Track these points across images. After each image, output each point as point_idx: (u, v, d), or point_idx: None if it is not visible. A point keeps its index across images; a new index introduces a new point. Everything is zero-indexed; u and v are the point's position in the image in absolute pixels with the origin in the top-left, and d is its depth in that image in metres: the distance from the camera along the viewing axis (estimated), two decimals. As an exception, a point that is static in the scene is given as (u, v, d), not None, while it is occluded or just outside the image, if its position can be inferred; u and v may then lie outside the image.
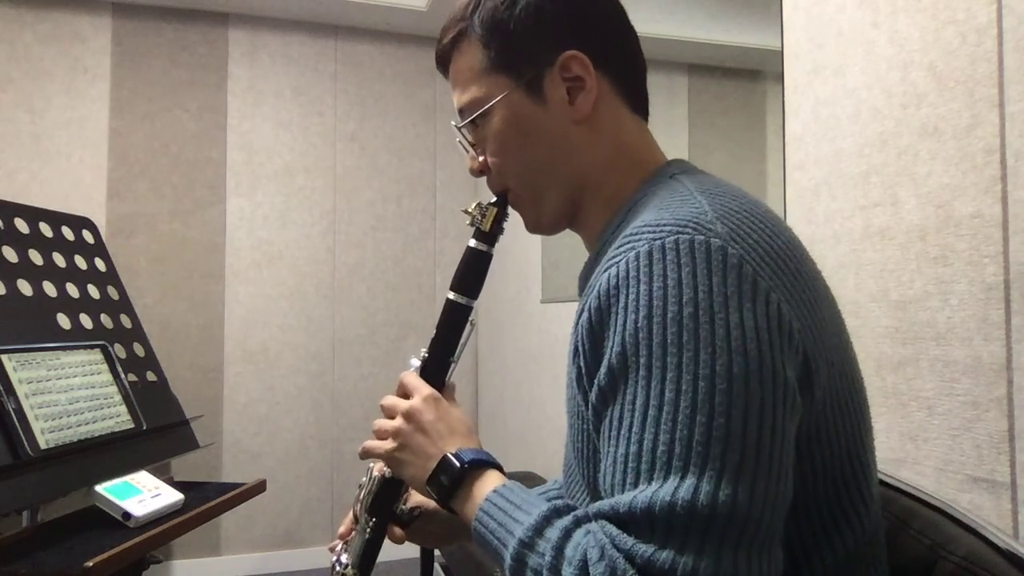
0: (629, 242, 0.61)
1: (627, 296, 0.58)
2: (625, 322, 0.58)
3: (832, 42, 1.27)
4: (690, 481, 0.52)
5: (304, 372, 3.33)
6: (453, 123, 0.82)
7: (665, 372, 0.55)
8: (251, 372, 3.25)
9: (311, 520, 3.30)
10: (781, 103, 1.39)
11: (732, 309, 0.56)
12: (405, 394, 0.81)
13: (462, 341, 0.83)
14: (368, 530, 0.84)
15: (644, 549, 0.52)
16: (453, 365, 0.83)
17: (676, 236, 0.58)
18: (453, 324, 0.83)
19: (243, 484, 2.10)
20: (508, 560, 0.61)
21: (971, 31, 1.00)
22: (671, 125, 1.78)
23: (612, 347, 0.59)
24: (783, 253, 0.62)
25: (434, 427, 0.76)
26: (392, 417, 0.79)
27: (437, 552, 2.35)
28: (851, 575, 0.64)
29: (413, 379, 0.81)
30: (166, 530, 1.69)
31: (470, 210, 0.84)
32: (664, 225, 0.60)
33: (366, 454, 0.81)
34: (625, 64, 0.78)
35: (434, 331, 0.83)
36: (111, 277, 2.32)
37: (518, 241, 3.06)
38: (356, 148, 3.46)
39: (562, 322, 2.57)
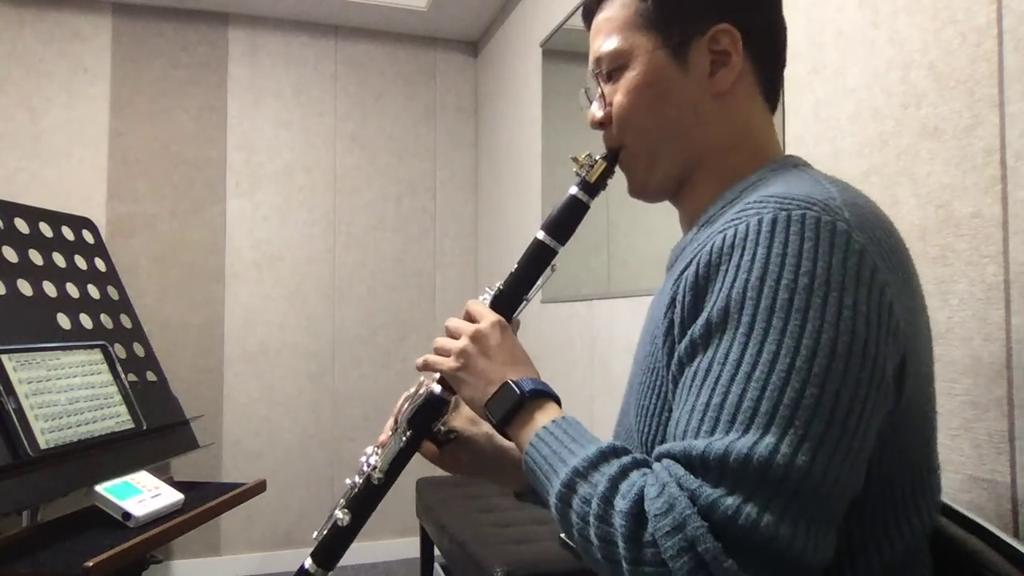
0: (753, 207, 0.60)
1: (742, 256, 0.58)
2: (735, 280, 0.58)
3: (832, 42, 1.27)
4: (770, 440, 0.52)
5: (304, 372, 3.33)
6: (590, 68, 0.81)
7: (767, 333, 0.55)
8: (251, 372, 3.24)
9: (311, 520, 3.30)
10: (781, 103, 1.39)
11: (848, 291, 0.56)
12: (471, 319, 0.81)
13: (539, 282, 0.84)
14: (403, 440, 0.84)
15: (710, 492, 0.52)
16: (525, 303, 0.84)
17: (804, 211, 0.58)
18: (536, 263, 0.83)
19: (243, 484, 2.10)
20: (557, 486, 0.61)
21: (971, 31, 1.00)
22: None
23: (715, 302, 0.59)
24: (899, 257, 0.63)
25: (498, 352, 0.77)
26: (456, 337, 0.79)
27: (437, 552, 2.35)
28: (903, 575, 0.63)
29: (480, 306, 0.82)
30: (166, 530, 1.69)
31: (580, 158, 0.81)
32: (794, 199, 0.59)
33: (426, 367, 0.82)
34: (771, 52, 0.78)
35: (514, 266, 0.84)
36: (111, 277, 2.32)
37: (518, 241, 3.05)
38: (356, 148, 3.46)
39: (562, 322, 2.57)
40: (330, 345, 3.37)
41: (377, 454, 0.85)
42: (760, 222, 0.58)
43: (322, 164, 3.40)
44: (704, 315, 0.59)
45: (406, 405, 0.86)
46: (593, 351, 2.34)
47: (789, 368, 0.54)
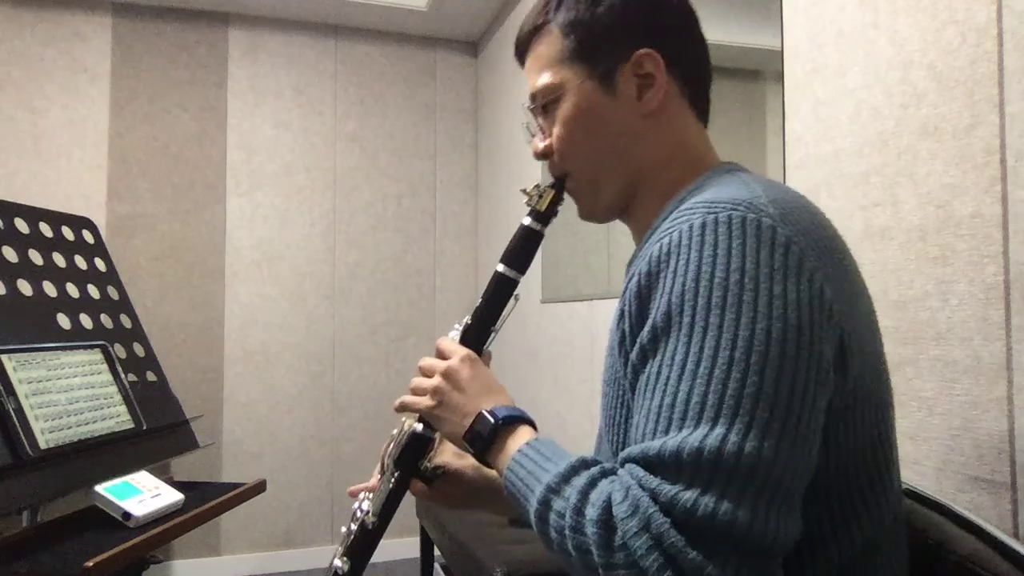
0: (684, 215, 0.64)
1: (677, 261, 0.62)
2: (673, 284, 0.61)
3: (832, 42, 1.27)
4: (719, 431, 0.55)
5: (304, 372, 3.33)
6: (525, 104, 0.86)
7: (707, 331, 0.58)
8: (251, 372, 3.24)
9: (311, 520, 3.30)
10: (781, 103, 1.39)
11: (777, 281, 0.59)
12: (442, 356, 0.84)
13: (505, 312, 0.88)
14: (392, 482, 0.87)
15: (669, 489, 0.54)
16: (493, 334, 0.88)
17: (730, 212, 0.62)
18: (499, 295, 0.87)
19: (243, 484, 2.10)
20: (534, 504, 0.64)
21: (971, 31, 1.00)
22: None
23: (658, 308, 0.62)
24: (829, 244, 0.66)
25: (470, 385, 0.80)
26: (430, 376, 0.83)
27: (437, 552, 2.35)
28: (866, 563, 0.65)
29: (449, 343, 0.86)
30: (166, 530, 1.69)
31: (528, 190, 0.86)
32: (719, 202, 0.63)
33: (404, 408, 0.85)
34: (694, 69, 0.82)
35: (479, 300, 0.87)
36: (111, 277, 2.32)
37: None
38: (356, 148, 3.46)
39: (562, 322, 2.57)
40: (330, 345, 3.37)
41: (368, 499, 0.88)
42: (691, 227, 0.62)
43: (322, 164, 3.40)
44: (649, 322, 0.63)
45: (391, 447, 0.89)
46: (593, 351, 2.34)
47: (729, 360, 0.57)
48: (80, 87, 3.08)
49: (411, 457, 0.88)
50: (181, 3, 3.17)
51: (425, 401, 0.81)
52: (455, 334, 0.87)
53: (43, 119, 3.02)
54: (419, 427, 0.86)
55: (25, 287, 1.92)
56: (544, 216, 0.85)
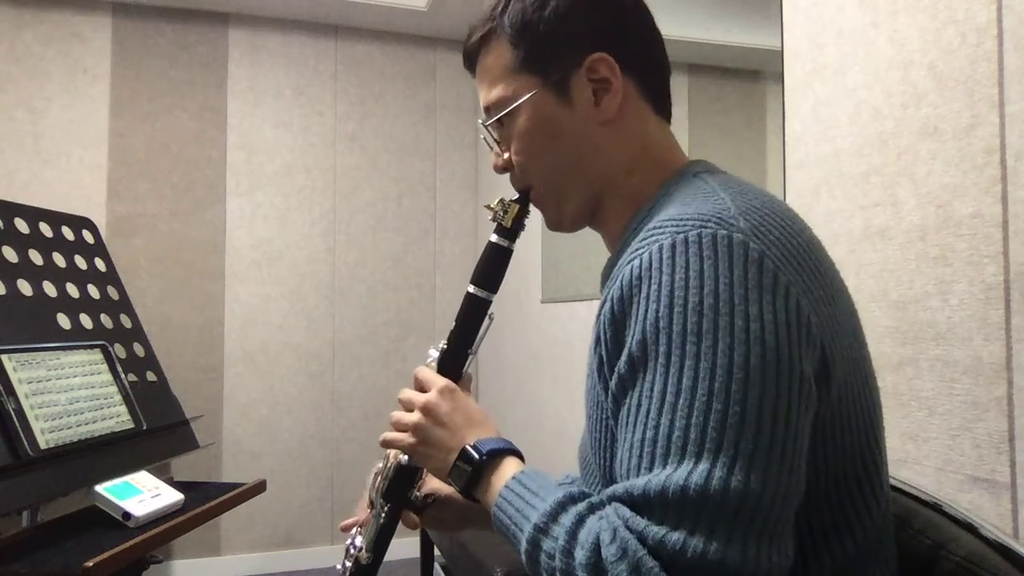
0: (653, 235, 0.62)
1: (649, 286, 0.59)
2: (647, 311, 0.59)
3: (832, 42, 1.27)
4: (704, 466, 0.53)
5: (304, 372, 3.33)
6: (480, 120, 0.84)
7: (683, 360, 0.56)
8: (251, 372, 3.25)
9: (311, 520, 3.30)
10: (781, 103, 1.39)
11: (752, 301, 0.57)
12: (421, 388, 0.82)
13: (480, 334, 0.85)
14: (383, 516, 0.86)
15: (656, 531, 0.53)
16: (471, 357, 0.86)
17: (699, 230, 0.59)
18: (472, 317, 0.85)
19: (243, 484, 2.10)
20: (524, 544, 0.63)
21: (971, 31, 1.00)
22: (671, 125, 1.78)
23: (633, 336, 0.60)
24: (803, 250, 0.63)
25: (451, 419, 0.77)
26: (410, 410, 0.80)
27: (437, 552, 2.35)
28: (860, 571, 0.64)
29: (427, 373, 0.83)
30: (166, 530, 1.69)
31: (492, 206, 0.84)
32: (687, 219, 0.61)
33: (387, 445, 0.83)
34: (651, 67, 0.80)
35: (453, 323, 0.85)
36: (111, 277, 2.32)
37: (518, 241, 3.05)
38: (356, 148, 3.46)
39: (562, 322, 2.57)
40: (330, 345, 3.37)
41: (360, 534, 0.88)
42: (661, 248, 0.60)
43: (322, 164, 3.40)
44: (625, 351, 0.61)
45: (378, 480, 0.88)
46: (593, 351, 2.33)
47: (708, 391, 0.55)
48: (80, 87, 3.08)
49: (399, 489, 0.87)
50: (181, 3, 3.17)
51: (407, 439, 0.79)
52: (432, 360, 0.85)
53: (43, 119, 3.02)
54: (404, 459, 0.85)
55: (25, 287, 1.92)
56: (511, 232, 0.83)
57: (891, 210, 1.13)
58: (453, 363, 0.85)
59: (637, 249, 0.63)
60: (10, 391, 1.64)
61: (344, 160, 3.44)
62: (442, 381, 0.81)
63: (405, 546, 3.23)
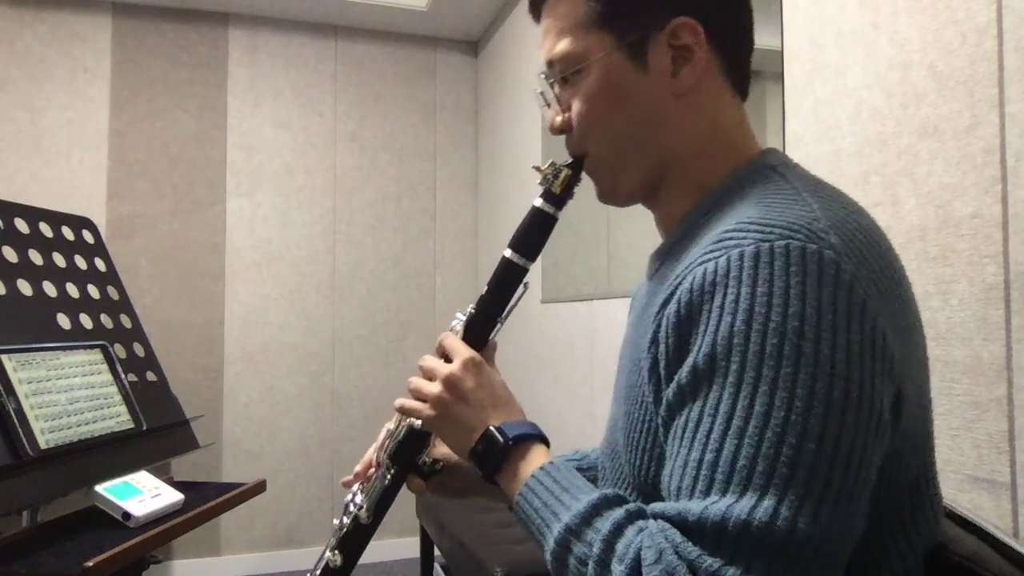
0: (732, 237, 0.57)
1: (725, 296, 0.55)
2: (719, 323, 0.54)
3: (832, 42, 1.27)
4: (769, 502, 0.50)
5: (304, 372, 3.33)
6: (540, 74, 0.76)
7: (758, 384, 0.52)
8: (251, 372, 3.24)
9: (311, 520, 3.30)
10: (781, 103, 1.39)
11: (839, 330, 0.53)
12: (445, 356, 0.77)
13: (512, 302, 0.79)
14: (388, 477, 0.82)
15: (711, 563, 0.50)
16: (499, 325, 0.80)
17: (787, 241, 0.54)
18: (506, 283, 0.78)
19: (243, 484, 2.10)
20: (551, 543, 0.60)
21: (971, 31, 1.00)
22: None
23: (701, 346, 0.55)
24: (890, 275, 0.59)
25: (476, 396, 0.73)
26: (431, 379, 0.76)
27: (437, 552, 2.35)
28: None
29: (453, 341, 0.78)
30: (166, 530, 1.69)
31: (543, 168, 0.76)
32: (773, 226, 0.56)
33: (404, 412, 0.79)
34: (738, 41, 0.73)
35: (484, 288, 0.79)
36: (111, 277, 2.32)
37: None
38: (356, 148, 3.46)
39: (562, 322, 2.57)
40: (330, 345, 3.37)
41: (362, 492, 0.84)
42: (741, 256, 0.55)
43: (322, 164, 3.40)
44: (691, 360, 0.56)
45: (388, 441, 0.84)
46: (593, 351, 2.34)
47: (784, 422, 0.51)
48: (80, 87, 3.08)
49: (408, 453, 0.83)
50: (181, 3, 3.16)
51: (426, 410, 0.75)
52: (458, 324, 0.80)
53: (43, 119, 3.02)
54: (418, 424, 0.81)
55: (25, 287, 1.92)
56: (559, 199, 0.76)
57: (891, 210, 1.13)
58: (480, 330, 0.79)
59: (713, 251, 0.57)
60: (10, 391, 1.64)
61: (344, 160, 3.44)
62: (468, 352, 0.76)
63: (405, 546, 3.24)
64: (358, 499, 0.84)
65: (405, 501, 2.79)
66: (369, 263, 3.45)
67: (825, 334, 0.52)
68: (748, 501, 0.50)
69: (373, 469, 0.86)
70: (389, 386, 3.36)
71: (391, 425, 0.85)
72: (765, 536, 0.49)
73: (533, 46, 2.87)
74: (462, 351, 0.76)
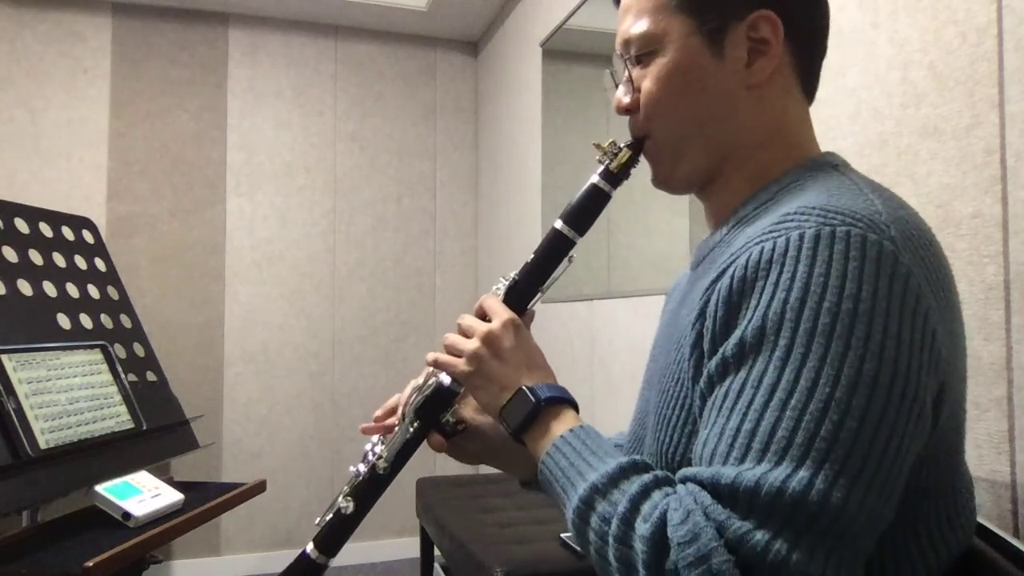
0: (794, 219, 0.57)
1: (781, 273, 0.55)
2: (772, 298, 0.55)
3: (832, 42, 1.27)
4: (804, 474, 0.50)
5: (304, 372, 3.33)
6: (617, 51, 0.76)
7: (806, 359, 0.53)
8: (251, 372, 3.24)
9: (311, 520, 3.27)
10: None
11: (892, 317, 0.53)
12: (483, 316, 0.78)
13: (556, 273, 0.80)
14: (410, 431, 0.82)
15: (739, 525, 0.50)
16: (540, 295, 0.81)
17: (848, 227, 0.55)
18: (553, 254, 0.79)
19: (243, 484, 2.10)
20: (575, 501, 0.60)
21: (971, 31, 1.00)
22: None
23: (750, 320, 0.56)
24: (943, 275, 0.60)
25: (513, 355, 0.74)
26: (469, 336, 0.76)
27: (437, 552, 2.35)
28: None
29: (494, 302, 0.78)
30: (166, 530, 1.69)
31: (604, 145, 0.78)
32: (836, 212, 0.56)
33: (437, 366, 0.79)
34: (813, 40, 0.74)
35: (530, 256, 0.80)
36: (111, 277, 2.32)
37: (517, 241, 3.06)
38: (356, 148, 3.46)
39: (562, 322, 2.57)
40: (330, 345, 3.37)
41: (383, 443, 0.84)
42: (802, 237, 0.55)
43: (322, 164, 3.40)
44: (738, 333, 0.56)
45: (414, 396, 0.83)
46: (593, 351, 2.34)
47: (828, 398, 0.52)
48: (80, 87, 3.08)
49: (433, 409, 0.82)
50: (181, 3, 3.17)
51: (461, 365, 0.75)
52: (500, 288, 0.80)
53: (43, 119, 3.02)
54: (447, 380, 0.80)
55: (25, 287, 1.92)
56: (616, 177, 0.77)
57: (891, 210, 1.13)
58: (521, 296, 0.79)
59: (771, 231, 0.58)
60: (10, 391, 1.64)
61: (344, 160, 3.44)
62: (508, 313, 0.76)
63: (405, 546, 3.24)
64: (377, 449, 0.84)
65: (406, 501, 2.80)
66: (369, 263, 3.45)
67: (878, 319, 0.53)
68: (783, 470, 0.51)
69: (397, 420, 0.85)
70: (389, 386, 3.36)
71: (418, 380, 0.84)
72: (798, 506, 0.50)
73: (533, 46, 2.87)
74: (502, 312, 0.77)
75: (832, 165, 0.69)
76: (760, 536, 0.50)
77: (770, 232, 0.58)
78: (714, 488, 0.53)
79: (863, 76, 1.19)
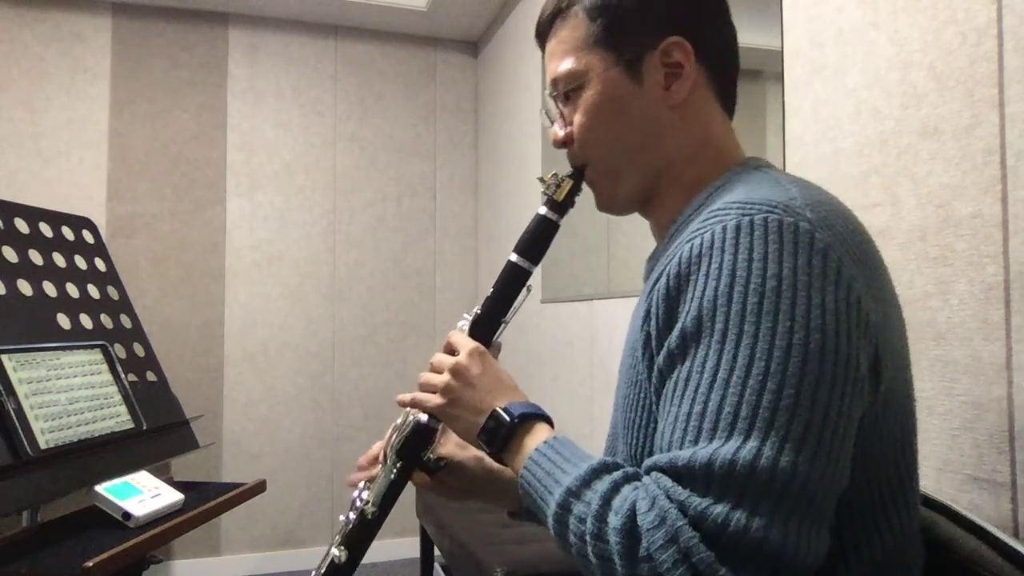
0: (716, 216, 0.62)
1: (710, 264, 0.59)
2: (705, 288, 0.59)
3: (832, 42, 1.27)
4: (752, 444, 0.53)
5: (304, 372, 3.33)
6: (547, 92, 0.83)
7: (740, 338, 0.56)
8: (251, 372, 3.24)
9: (311, 520, 3.30)
10: (781, 103, 1.39)
11: (815, 289, 0.57)
12: (451, 351, 0.82)
13: (516, 304, 0.85)
14: (394, 472, 0.86)
15: (699, 502, 0.53)
16: (503, 325, 0.85)
17: (766, 214, 0.59)
18: (511, 285, 0.84)
19: (243, 484, 2.10)
20: (552, 507, 0.62)
21: (971, 31, 1.00)
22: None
23: (688, 312, 0.60)
24: (865, 249, 0.64)
25: (481, 381, 0.77)
26: (440, 372, 0.80)
27: (437, 552, 2.35)
28: (890, 571, 0.64)
29: (459, 336, 0.83)
30: (166, 530, 1.69)
31: (546, 178, 0.84)
32: (754, 203, 0.61)
33: (414, 404, 0.82)
34: (723, 59, 0.80)
35: (490, 290, 0.85)
36: (111, 277, 2.32)
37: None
38: (356, 148, 3.46)
39: (562, 322, 2.57)
40: (330, 345, 3.37)
41: (368, 488, 0.87)
42: (724, 229, 0.60)
43: (322, 164, 3.40)
44: (679, 326, 0.61)
45: (394, 436, 0.87)
46: (593, 351, 2.34)
47: (764, 371, 0.55)
48: (80, 87, 3.08)
49: (414, 447, 0.86)
50: (181, 3, 3.17)
51: (435, 400, 0.79)
52: (464, 324, 0.85)
53: (43, 119, 3.02)
54: (424, 417, 0.84)
55: (25, 287, 1.92)
56: (561, 206, 0.83)
57: (891, 210, 1.13)
58: (485, 329, 0.84)
59: (699, 229, 0.62)
60: (10, 391, 1.64)
61: (344, 160, 3.44)
62: (472, 344, 0.81)
63: (405, 546, 3.24)
64: (364, 495, 0.87)
65: (405, 501, 2.80)
66: (369, 263, 3.45)
67: (801, 292, 0.57)
68: (733, 444, 0.54)
69: (380, 464, 0.88)
70: (389, 386, 3.36)
71: (397, 422, 0.88)
72: (750, 475, 0.52)
73: (533, 46, 2.86)
74: (467, 343, 0.81)
75: (755, 167, 0.75)
76: (720, 509, 0.52)
77: (698, 230, 0.62)
78: (673, 471, 0.56)
79: (863, 76, 1.19)
